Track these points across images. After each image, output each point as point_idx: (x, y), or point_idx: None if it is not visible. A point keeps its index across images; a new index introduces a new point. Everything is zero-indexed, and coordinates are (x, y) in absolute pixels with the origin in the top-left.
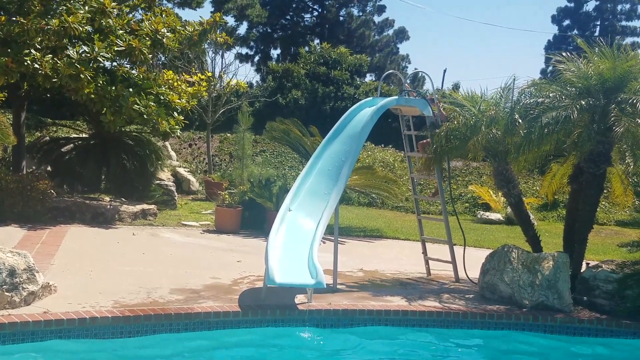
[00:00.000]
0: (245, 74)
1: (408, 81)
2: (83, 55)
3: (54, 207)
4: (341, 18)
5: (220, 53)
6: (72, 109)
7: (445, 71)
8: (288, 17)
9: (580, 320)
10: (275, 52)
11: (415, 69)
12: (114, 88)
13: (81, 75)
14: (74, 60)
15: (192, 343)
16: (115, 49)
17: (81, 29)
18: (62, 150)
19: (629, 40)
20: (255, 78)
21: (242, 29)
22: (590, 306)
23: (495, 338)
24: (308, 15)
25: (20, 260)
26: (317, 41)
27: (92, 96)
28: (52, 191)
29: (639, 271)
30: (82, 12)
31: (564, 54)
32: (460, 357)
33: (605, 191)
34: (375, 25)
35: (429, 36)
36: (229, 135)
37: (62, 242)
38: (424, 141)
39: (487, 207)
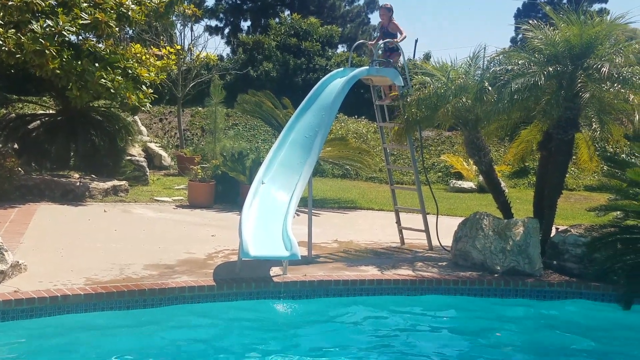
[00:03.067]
0: (215, 47)
1: (380, 52)
2: (47, 30)
3: (22, 185)
4: None
5: (189, 25)
6: (38, 85)
7: (416, 41)
8: None
9: (551, 284)
10: (245, 24)
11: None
12: (79, 63)
13: (46, 51)
14: (38, 35)
15: (166, 318)
16: (81, 22)
17: (44, 3)
18: (29, 127)
19: (596, 6)
20: (226, 50)
21: (211, 1)
22: (560, 270)
23: (468, 304)
24: None
25: None
26: (287, 12)
27: (58, 71)
28: (20, 169)
29: (607, 235)
30: None
31: (531, 21)
32: (435, 324)
33: (574, 157)
34: None
35: (400, 6)
36: (200, 109)
37: (32, 221)
38: (392, 94)
39: (459, 176)
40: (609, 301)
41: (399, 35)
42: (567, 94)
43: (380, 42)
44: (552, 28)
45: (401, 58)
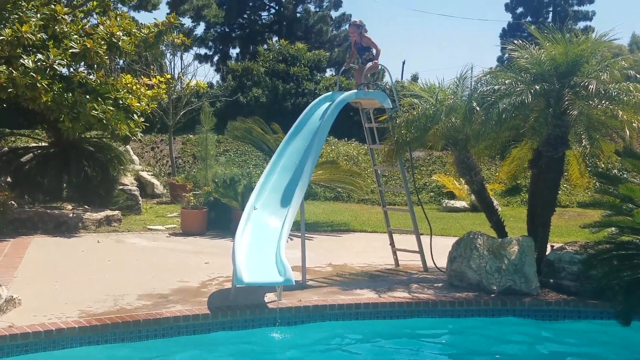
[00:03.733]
0: (205, 74)
1: (368, 74)
2: (39, 63)
3: (15, 219)
4: (298, 15)
5: (178, 54)
6: (30, 117)
7: (404, 63)
8: (245, 15)
9: (548, 302)
10: (234, 51)
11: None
12: (70, 95)
13: (38, 84)
14: (29, 70)
15: (162, 348)
16: (70, 52)
17: (35, 37)
18: (22, 160)
19: (581, 24)
20: (216, 78)
21: (200, 30)
22: (557, 288)
23: (465, 325)
24: (265, 13)
25: None
26: (275, 39)
27: (49, 104)
28: (13, 202)
29: (603, 251)
30: (34, 19)
31: (516, 41)
32: (432, 346)
33: (566, 173)
34: (332, 21)
35: (387, 29)
36: (191, 136)
37: (25, 254)
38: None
39: (452, 196)
40: (607, 318)
41: (374, 50)
42: (555, 112)
43: (360, 66)
44: (537, 47)
45: (387, 78)
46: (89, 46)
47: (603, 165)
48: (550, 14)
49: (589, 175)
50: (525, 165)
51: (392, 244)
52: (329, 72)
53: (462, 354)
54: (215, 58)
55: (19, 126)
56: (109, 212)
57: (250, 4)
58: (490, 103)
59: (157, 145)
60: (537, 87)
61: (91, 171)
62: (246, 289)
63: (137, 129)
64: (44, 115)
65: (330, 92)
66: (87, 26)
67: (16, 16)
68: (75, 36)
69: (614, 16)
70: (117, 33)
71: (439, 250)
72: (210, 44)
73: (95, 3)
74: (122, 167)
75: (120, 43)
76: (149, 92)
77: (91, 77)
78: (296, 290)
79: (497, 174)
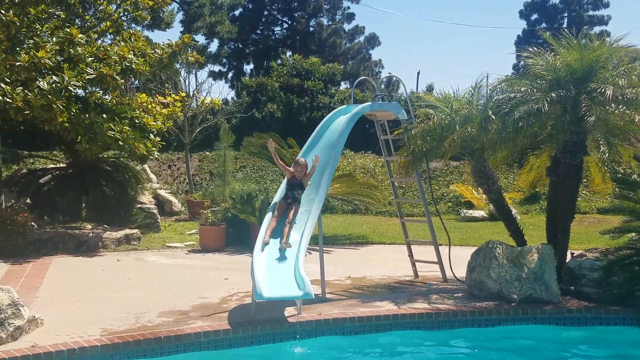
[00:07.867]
0: (220, 91)
1: (382, 86)
2: (54, 85)
3: (35, 240)
4: (311, 29)
5: (193, 72)
6: (47, 139)
7: (419, 73)
8: (258, 31)
9: (570, 310)
10: (248, 67)
11: (389, 73)
12: (87, 116)
13: (53, 106)
14: (45, 91)
15: None
16: (86, 77)
17: (51, 61)
18: (40, 181)
19: (597, 29)
20: (230, 94)
21: (213, 47)
22: (578, 295)
23: (486, 335)
24: (278, 28)
25: (4, 296)
26: (289, 53)
27: (66, 125)
28: (33, 223)
29: (623, 257)
30: (50, 44)
31: (531, 49)
32: (454, 357)
33: (585, 180)
34: (345, 33)
35: (400, 40)
36: (207, 153)
37: (47, 274)
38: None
39: (470, 205)
40: (630, 324)
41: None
42: (572, 119)
43: None
44: (552, 54)
45: (402, 89)
46: (105, 72)
47: (622, 171)
48: (566, 20)
49: (610, 181)
50: (544, 172)
51: (410, 255)
52: (343, 85)
53: None
54: (230, 75)
55: (37, 148)
56: (128, 231)
57: (263, 19)
58: (506, 111)
59: (174, 163)
60: (553, 94)
61: (109, 191)
62: (266, 304)
63: (154, 149)
64: (61, 136)
65: (345, 105)
66: (100, 49)
67: (32, 41)
68: (91, 59)
69: (630, 20)
70: (129, 56)
71: (458, 260)
72: (224, 60)
73: (108, 24)
74: (139, 186)
75: (133, 66)
76: (164, 110)
77: (106, 97)
78: (316, 303)
79: (515, 182)
